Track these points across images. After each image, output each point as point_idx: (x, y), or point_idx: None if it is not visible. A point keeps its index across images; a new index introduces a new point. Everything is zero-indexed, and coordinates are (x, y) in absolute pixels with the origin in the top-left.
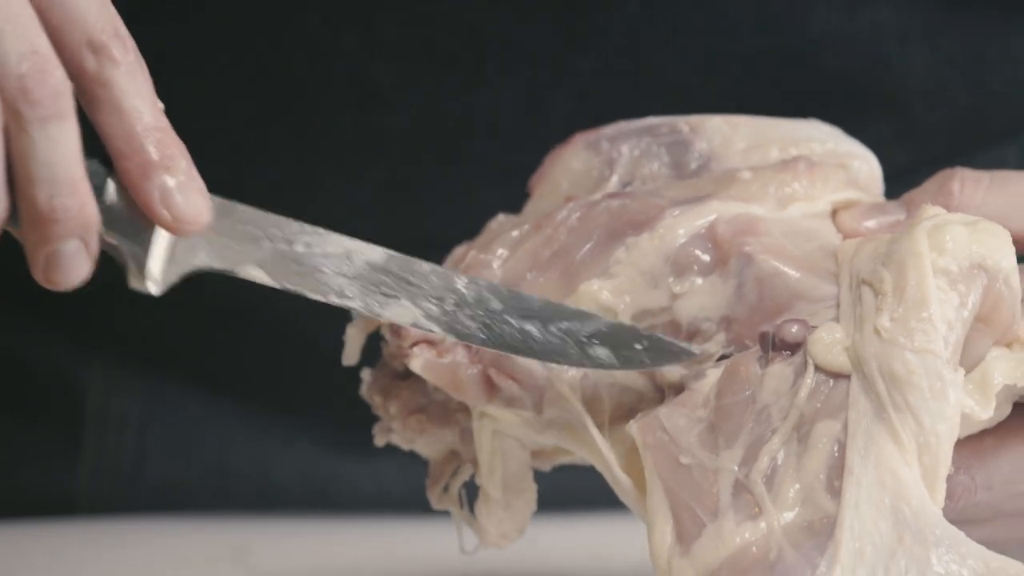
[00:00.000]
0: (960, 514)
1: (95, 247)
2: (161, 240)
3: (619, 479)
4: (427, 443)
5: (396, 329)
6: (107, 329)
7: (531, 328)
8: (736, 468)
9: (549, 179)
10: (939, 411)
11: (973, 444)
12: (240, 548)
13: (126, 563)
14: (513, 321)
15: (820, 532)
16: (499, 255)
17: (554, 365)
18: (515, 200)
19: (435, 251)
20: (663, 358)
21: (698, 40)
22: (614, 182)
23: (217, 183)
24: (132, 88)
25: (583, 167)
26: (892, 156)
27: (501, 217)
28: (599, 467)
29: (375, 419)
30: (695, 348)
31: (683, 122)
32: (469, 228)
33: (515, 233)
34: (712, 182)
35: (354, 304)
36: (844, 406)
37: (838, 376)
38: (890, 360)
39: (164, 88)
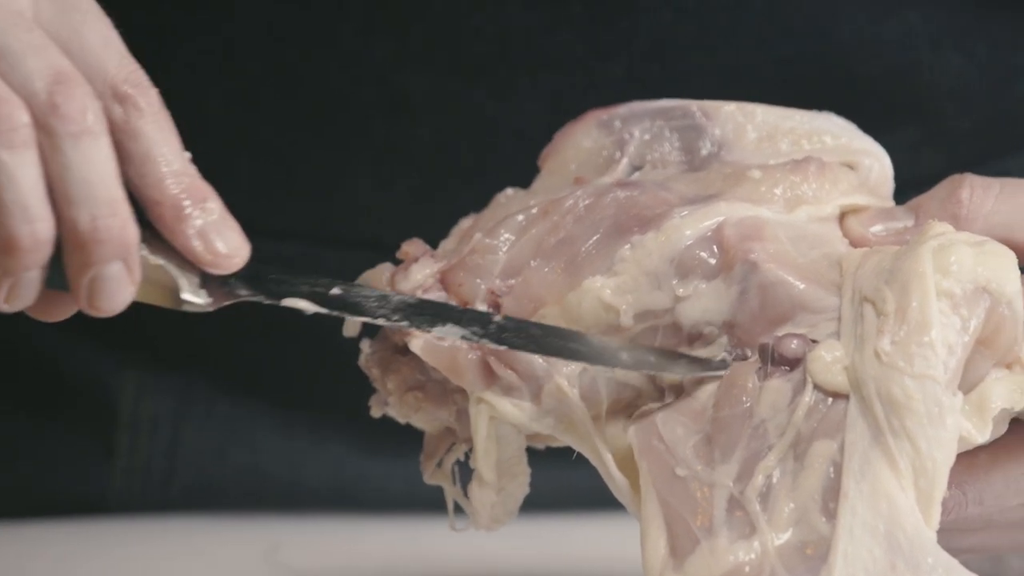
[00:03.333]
0: (950, 525)
1: (137, 272)
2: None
3: (614, 477)
4: (423, 419)
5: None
6: (139, 331)
7: (575, 345)
8: (731, 484)
9: (559, 156)
10: (936, 437)
11: (967, 461)
12: (271, 547)
13: (158, 562)
14: (556, 340)
15: (814, 556)
16: (504, 239)
17: (554, 359)
18: None
19: None
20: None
21: (726, 46)
22: (624, 164)
23: (247, 191)
24: (160, 137)
25: (594, 146)
26: (922, 161)
27: (509, 191)
28: (594, 462)
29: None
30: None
31: (696, 106)
32: None
33: (520, 218)
34: (721, 178)
35: (401, 324)
36: (841, 427)
37: (837, 396)
38: (889, 384)
39: (197, 96)
